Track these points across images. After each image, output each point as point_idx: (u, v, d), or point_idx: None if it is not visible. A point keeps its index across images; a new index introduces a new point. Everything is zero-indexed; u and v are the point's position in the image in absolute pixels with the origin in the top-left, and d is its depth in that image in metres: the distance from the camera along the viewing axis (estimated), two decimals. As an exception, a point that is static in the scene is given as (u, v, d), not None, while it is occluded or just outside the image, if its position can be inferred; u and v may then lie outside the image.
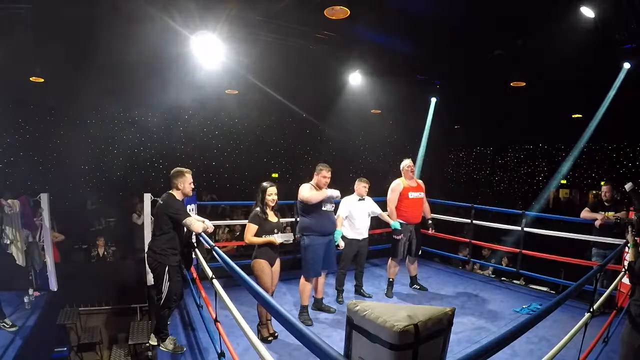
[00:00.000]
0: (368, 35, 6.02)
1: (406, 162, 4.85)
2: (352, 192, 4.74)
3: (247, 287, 2.10)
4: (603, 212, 4.48)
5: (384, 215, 4.84)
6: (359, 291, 4.94)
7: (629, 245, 2.91)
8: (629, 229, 2.98)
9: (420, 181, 5.01)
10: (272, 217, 3.63)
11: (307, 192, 3.88)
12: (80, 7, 4.65)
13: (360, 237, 4.66)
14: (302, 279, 4.01)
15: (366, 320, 1.54)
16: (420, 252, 5.06)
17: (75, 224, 7.53)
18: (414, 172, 4.87)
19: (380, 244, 6.53)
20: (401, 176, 4.86)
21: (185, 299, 4.33)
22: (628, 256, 2.86)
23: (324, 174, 3.94)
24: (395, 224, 4.68)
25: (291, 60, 6.54)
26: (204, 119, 11.23)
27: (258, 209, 3.58)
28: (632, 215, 3.85)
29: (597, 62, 6.02)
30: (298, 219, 4.37)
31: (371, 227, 4.94)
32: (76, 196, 9.40)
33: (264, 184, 3.64)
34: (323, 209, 3.93)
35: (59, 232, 6.10)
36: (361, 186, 4.67)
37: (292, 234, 3.70)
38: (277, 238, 3.54)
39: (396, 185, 4.78)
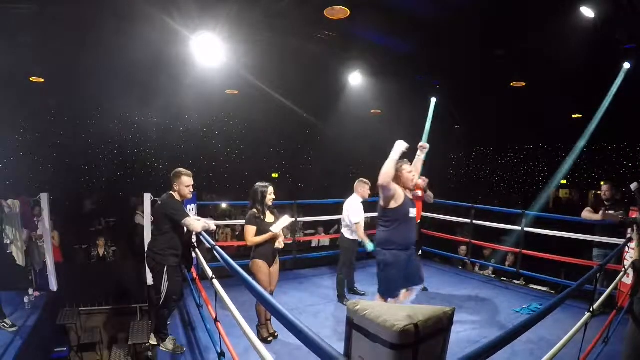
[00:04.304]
0: (368, 35, 6.02)
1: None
2: (351, 191, 4.74)
3: (247, 287, 2.10)
4: (603, 208, 4.48)
5: None
6: (351, 289, 4.93)
7: (629, 244, 2.92)
8: (635, 227, 2.98)
9: (419, 180, 4.99)
10: (269, 217, 3.61)
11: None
12: (81, 7, 4.66)
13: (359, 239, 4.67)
14: (378, 296, 3.31)
15: (366, 319, 1.54)
16: (420, 252, 5.06)
17: (75, 224, 7.53)
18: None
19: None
20: None
21: (185, 299, 4.32)
22: (633, 254, 2.86)
23: (407, 169, 3.28)
24: None
25: (291, 60, 6.54)
26: (204, 119, 11.23)
27: (255, 210, 3.55)
28: (636, 215, 3.85)
29: (597, 62, 6.02)
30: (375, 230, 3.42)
31: (371, 228, 4.95)
32: (76, 196, 9.41)
33: (262, 185, 3.58)
34: (410, 215, 3.21)
35: (55, 231, 6.08)
36: (366, 189, 4.70)
37: (286, 215, 3.61)
38: (276, 229, 3.47)
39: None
